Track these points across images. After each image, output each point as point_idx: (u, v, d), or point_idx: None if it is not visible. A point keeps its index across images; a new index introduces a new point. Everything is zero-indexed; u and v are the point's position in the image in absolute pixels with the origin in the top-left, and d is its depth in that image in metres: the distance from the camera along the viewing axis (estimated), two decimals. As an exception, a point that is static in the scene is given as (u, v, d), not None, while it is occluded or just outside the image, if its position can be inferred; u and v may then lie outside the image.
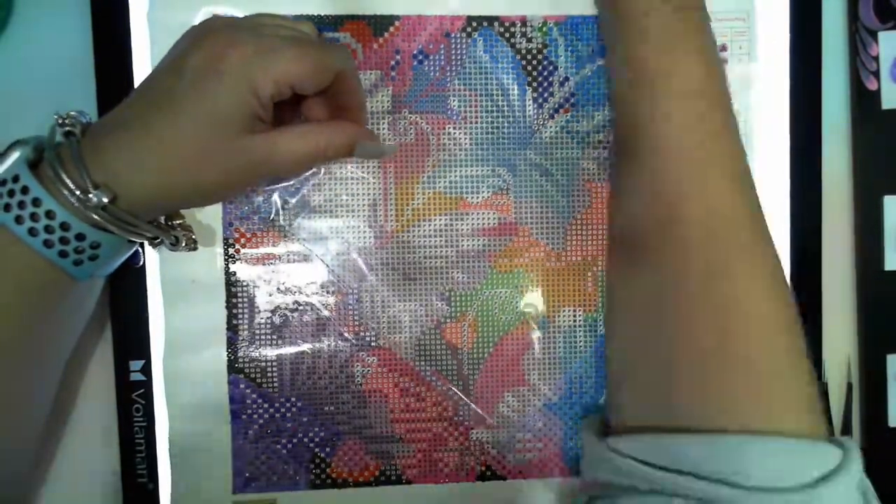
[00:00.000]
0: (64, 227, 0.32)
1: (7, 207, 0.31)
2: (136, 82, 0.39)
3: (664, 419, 0.34)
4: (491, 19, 0.41)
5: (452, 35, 0.41)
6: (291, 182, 0.40)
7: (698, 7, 0.36)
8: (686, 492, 0.30)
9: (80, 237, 0.32)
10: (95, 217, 0.32)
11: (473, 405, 0.42)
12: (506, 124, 0.41)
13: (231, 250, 0.40)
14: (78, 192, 0.31)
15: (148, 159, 0.32)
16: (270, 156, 0.34)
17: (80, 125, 0.33)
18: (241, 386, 0.40)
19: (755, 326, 0.33)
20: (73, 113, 0.33)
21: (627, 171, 0.37)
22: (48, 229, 0.31)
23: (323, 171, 0.40)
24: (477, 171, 0.41)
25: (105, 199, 0.31)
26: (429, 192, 0.41)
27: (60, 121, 0.33)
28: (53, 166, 0.31)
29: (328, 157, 0.35)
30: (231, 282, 0.40)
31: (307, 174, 0.40)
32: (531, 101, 0.41)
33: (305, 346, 0.40)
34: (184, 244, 0.37)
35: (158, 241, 0.36)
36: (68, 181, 0.31)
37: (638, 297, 0.36)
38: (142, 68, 0.39)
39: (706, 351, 0.33)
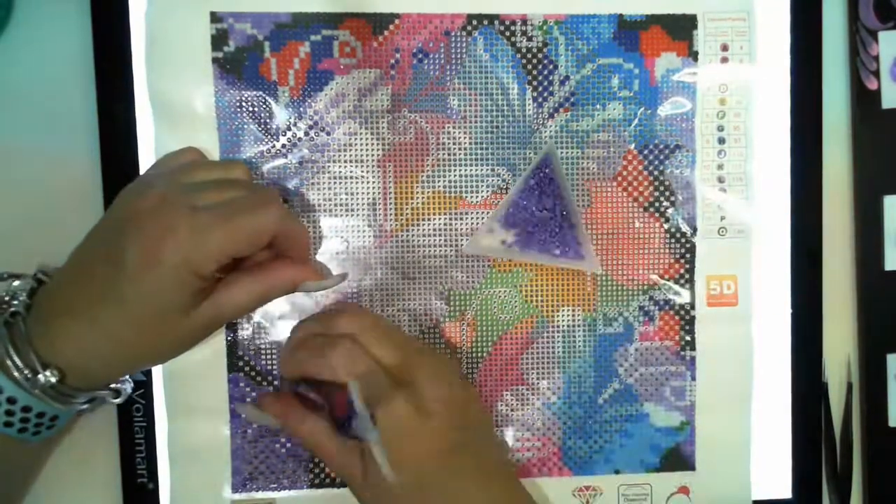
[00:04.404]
0: (25, 409, 0.32)
1: None
2: (136, 83, 0.39)
3: None
4: (491, 18, 0.41)
5: (452, 33, 0.40)
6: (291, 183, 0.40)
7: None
8: None
9: (40, 415, 0.33)
10: (43, 395, 0.32)
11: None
12: (506, 123, 0.41)
13: (230, 249, 0.40)
14: (27, 372, 0.32)
15: (98, 349, 0.32)
16: (218, 315, 0.34)
17: (23, 304, 0.33)
18: (241, 385, 0.40)
19: None
20: (15, 284, 0.34)
21: None
22: (8, 412, 0.32)
23: (321, 170, 0.40)
24: (476, 170, 0.41)
25: (53, 379, 0.32)
26: (428, 192, 0.41)
27: (6, 298, 0.33)
28: (6, 349, 0.32)
29: (270, 300, 0.36)
30: (230, 281, 0.40)
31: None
32: (531, 101, 0.41)
33: (305, 346, 0.40)
34: (122, 396, 0.38)
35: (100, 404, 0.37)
36: (20, 363, 0.32)
37: None
38: (141, 69, 0.39)
39: None
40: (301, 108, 0.40)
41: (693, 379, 0.42)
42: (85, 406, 0.35)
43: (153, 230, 0.31)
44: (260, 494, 0.41)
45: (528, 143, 0.41)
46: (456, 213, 0.41)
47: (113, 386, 0.37)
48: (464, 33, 0.41)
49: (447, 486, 0.34)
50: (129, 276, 0.31)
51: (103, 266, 0.32)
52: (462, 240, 0.41)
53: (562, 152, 0.41)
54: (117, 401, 0.37)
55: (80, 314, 0.32)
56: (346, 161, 0.40)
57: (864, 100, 0.43)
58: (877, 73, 0.43)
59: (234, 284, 0.34)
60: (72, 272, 0.34)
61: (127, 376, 0.38)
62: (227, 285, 0.34)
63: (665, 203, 0.42)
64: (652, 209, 0.42)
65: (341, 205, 0.40)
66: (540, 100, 0.41)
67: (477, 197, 0.41)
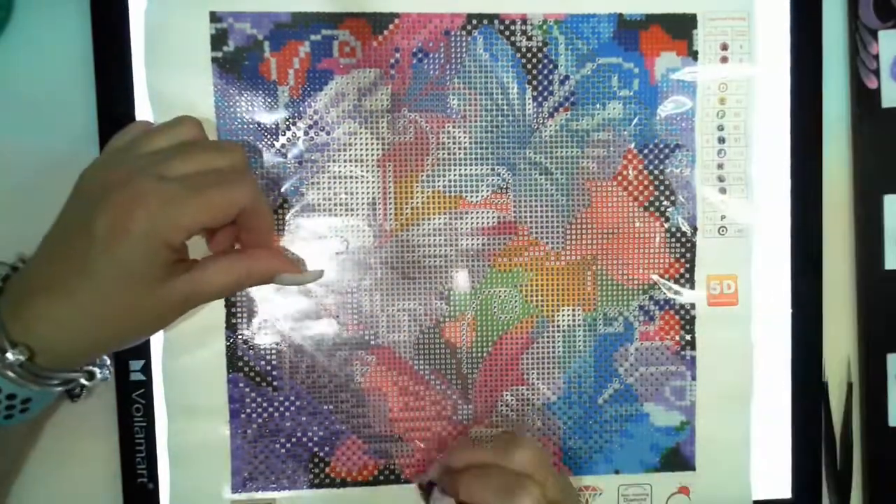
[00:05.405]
0: None
1: None
2: (136, 82, 0.39)
3: None
4: (491, 17, 0.41)
5: (452, 33, 0.40)
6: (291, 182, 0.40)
7: None
8: None
9: (10, 396, 0.32)
10: (12, 374, 0.32)
11: (472, 404, 0.42)
12: (505, 123, 0.41)
13: (230, 249, 0.40)
14: None
15: (70, 325, 0.32)
16: (193, 292, 0.34)
17: None
18: (240, 385, 0.40)
19: None
20: None
21: None
22: None
23: (321, 170, 0.40)
24: (476, 169, 0.41)
25: (22, 357, 0.31)
26: (428, 191, 0.41)
27: None
28: None
29: (248, 285, 0.35)
30: (230, 281, 0.40)
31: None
32: (531, 100, 0.41)
33: (304, 345, 0.40)
34: (98, 378, 0.37)
35: (75, 387, 0.36)
36: None
37: None
38: (141, 68, 0.39)
39: None
40: (301, 108, 0.40)
41: (693, 379, 0.42)
42: (59, 388, 0.34)
43: (123, 201, 0.31)
44: (260, 494, 0.41)
45: (527, 142, 0.41)
46: (456, 213, 0.41)
47: (86, 368, 0.36)
48: (463, 33, 0.40)
49: None
50: (100, 248, 0.31)
51: (74, 241, 0.32)
52: (462, 239, 0.41)
53: (561, 152, 0.41)
54: (90, 383, 0.36)
55: (51, 291, 0.32)
56: (345, 161, 0.40)
57: (863, 99, 0.43)
58: (877, 73, 0.43)
59: (212, 264, 0.34)
60: (42, 253, 0.33)
61: (108, 362, 0.37)
62: (205, 264, 0.34)
63: (665, 203, 0.42)
64: (652, 209, 0.42)
65: (341, 205, 0.40)
66: (540, 99, 0.41)
67: (477, 197, 0.41)
